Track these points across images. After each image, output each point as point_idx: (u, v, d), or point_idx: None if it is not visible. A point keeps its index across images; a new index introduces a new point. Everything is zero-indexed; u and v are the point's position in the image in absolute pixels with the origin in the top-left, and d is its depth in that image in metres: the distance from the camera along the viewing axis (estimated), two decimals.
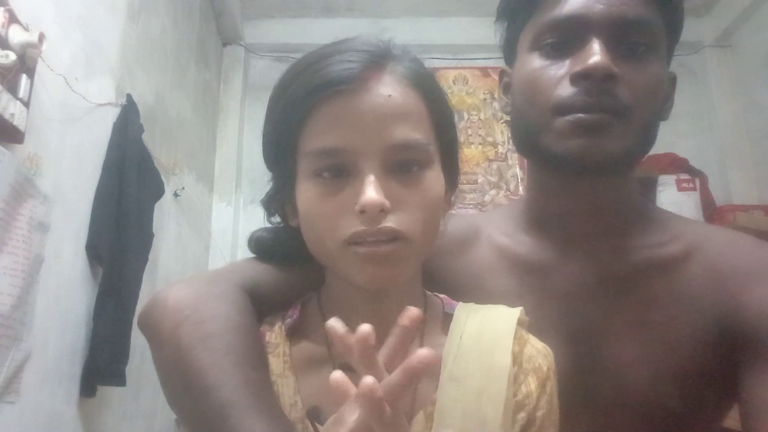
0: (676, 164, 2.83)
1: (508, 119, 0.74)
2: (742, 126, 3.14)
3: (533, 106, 0.67)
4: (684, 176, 2.86)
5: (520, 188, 3.19)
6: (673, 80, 0.71)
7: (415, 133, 0.54)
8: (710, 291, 0.66)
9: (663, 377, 0.65)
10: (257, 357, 0.55)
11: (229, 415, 0.48)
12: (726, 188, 3.04)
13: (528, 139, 0.69)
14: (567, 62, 0.65)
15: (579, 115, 0.62)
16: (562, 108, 0.63)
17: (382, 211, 0.51)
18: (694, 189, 2.85)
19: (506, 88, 0.76)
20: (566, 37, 0.65)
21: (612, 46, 0.63)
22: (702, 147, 3.08)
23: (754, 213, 2.72)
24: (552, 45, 0.66)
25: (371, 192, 0.50)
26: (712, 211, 2.81)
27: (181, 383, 0.53)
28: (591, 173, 0.65)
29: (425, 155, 0.55)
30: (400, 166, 0.54)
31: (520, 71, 0.70)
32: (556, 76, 0.65)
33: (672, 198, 2.76)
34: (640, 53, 0.64)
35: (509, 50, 0.75)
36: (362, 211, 0.51)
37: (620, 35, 0.63)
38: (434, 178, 0.56)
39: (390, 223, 0.51)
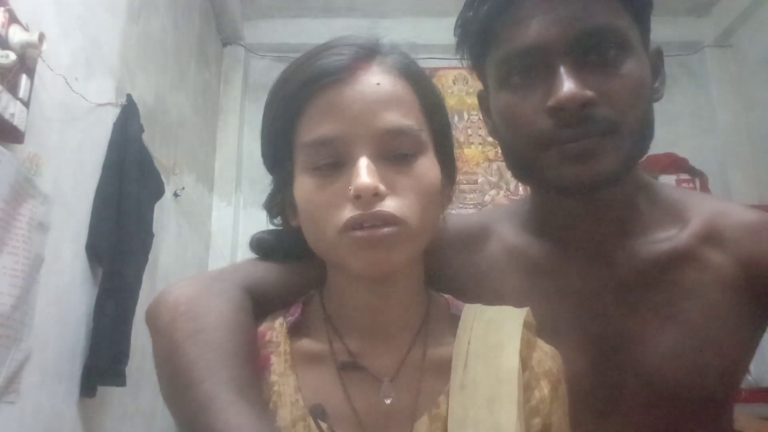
0: (676, 164, 2.83)
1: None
2: (742, 126, 3.14)
3: (516, 141, 0.65)
4: (684, 176, 2.86)
5: (520, 188, 3.19)
6: (659, 54, 0.67)
7: (405, 119, 0.54)
8: (738, 271, 0.65)
9: (702, 366, 0.64)
10: (246, 354, 0.55)
11: (208, 408, 0.48)
12: (726, 188, 3.04)
13: (520, 169, 0.67)
14: (539, 92, 0.61)
15: (564, 146, 0.60)
16: (546, 142, 0.61)
17: (377, 195, 0.51)
18: (694, 189, 2.85)
19: (488, 112, 0.72)
20: (531, 68, 0.62)
21: (580, 63, 0.60)
22: (702, 147, 3.08)
23: None
24: (519, 78, 0.63)
25: (364, 175, 0.51)
26: None
27: (171, 375, 0.54)
28: (590, 193, 0.64)
29: (417, 142, 0.55)
30: (394, 153, 0.54)
31: (494, 106, 0.68)
32: (532, 110, 0.62)
33: None
34: (612, 57, 0.61)
35: (479, 75, 0.72)
36: (357, 196, 0.51)
37: (585, 48, 0.60)
38: (428, 165, 0.56)
39: (385, 207, 0.51)
